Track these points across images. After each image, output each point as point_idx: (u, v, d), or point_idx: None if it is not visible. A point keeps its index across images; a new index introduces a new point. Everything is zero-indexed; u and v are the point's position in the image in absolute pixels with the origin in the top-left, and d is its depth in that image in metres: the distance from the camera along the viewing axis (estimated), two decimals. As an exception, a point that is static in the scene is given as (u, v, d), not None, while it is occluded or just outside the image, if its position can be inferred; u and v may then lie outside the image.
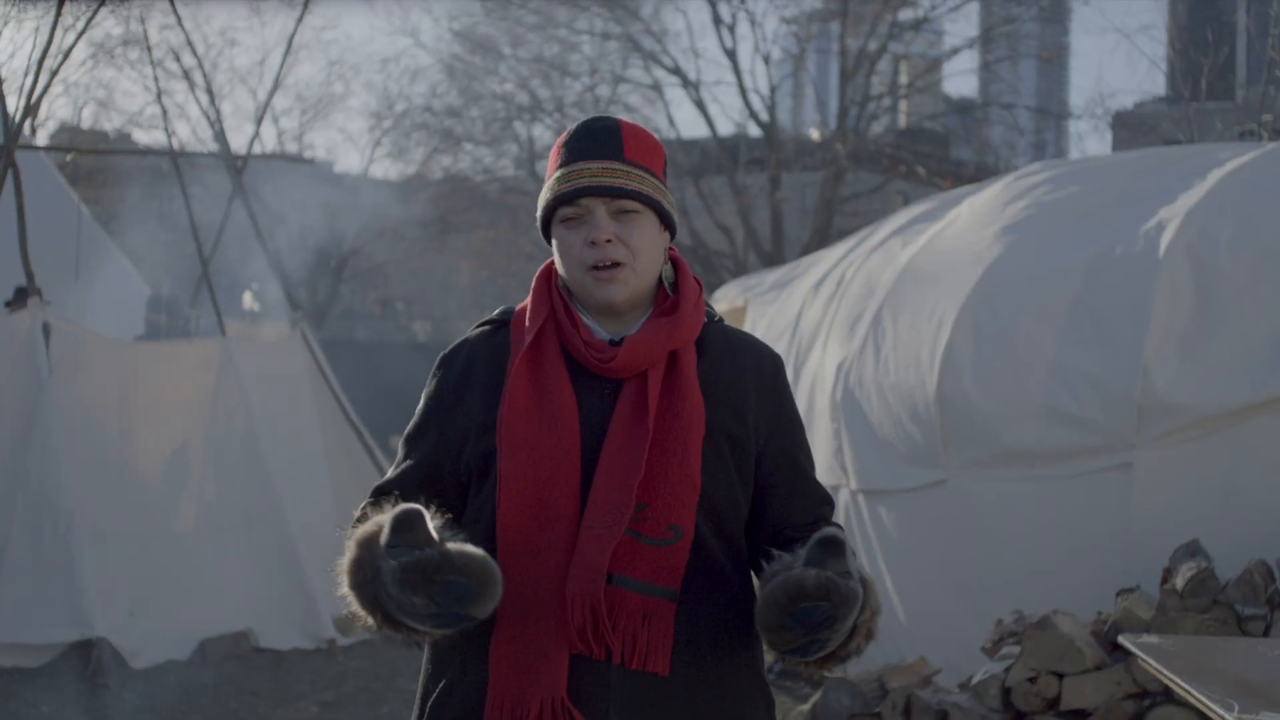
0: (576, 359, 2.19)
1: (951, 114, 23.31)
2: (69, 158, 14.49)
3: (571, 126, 2.26)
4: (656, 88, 20.02)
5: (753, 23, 27.58)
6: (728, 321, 2.40)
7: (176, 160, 9.70)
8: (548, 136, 20.49)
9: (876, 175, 21.48)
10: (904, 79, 21.82)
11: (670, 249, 2.29)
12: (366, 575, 2.00)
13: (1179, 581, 4.83)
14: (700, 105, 19.38)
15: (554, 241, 2.23)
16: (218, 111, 12.78)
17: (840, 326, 7.35)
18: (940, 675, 5.48)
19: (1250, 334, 5.53)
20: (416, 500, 2.10)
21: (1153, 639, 3.64)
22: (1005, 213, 6.95)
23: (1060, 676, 4.87)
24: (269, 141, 24.74)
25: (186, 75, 14.22)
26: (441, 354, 2.31)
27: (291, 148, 25.29)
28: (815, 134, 22.85)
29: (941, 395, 6.20)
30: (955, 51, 21.00)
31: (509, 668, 2.09)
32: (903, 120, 25.05)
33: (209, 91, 13.85)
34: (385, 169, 32.92)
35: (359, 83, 39.54)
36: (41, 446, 7.36)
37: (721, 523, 2.19)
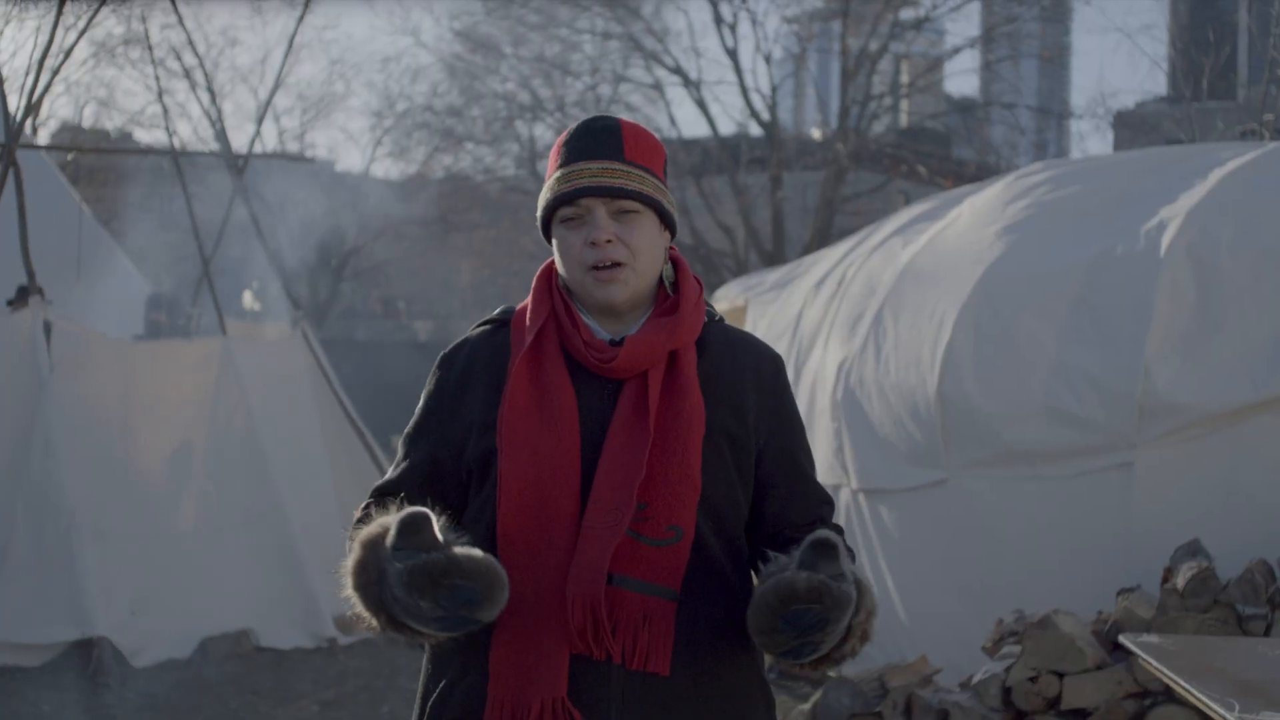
0: (577, 359, 2.19)
1: (953, 113, 23.31)
2: (70, 157, 14.50)
3: (571, 126, 2.26)
4: (658, 87, 20.03)
5: (754, 22, 27.73)
6: (728, 321, 2.40)
7: (178, 159, 9.70)
8: (549, 136, 20.49)
9: (878, 175, 21.48)
10: (905, 78, 21.83)
11: (670, 248, 2.29)
12: (371, 577, 2.00)
13: (1180, 581, 4.83)
14: (701, 105, 19.42)
15: (554, 241, 2.23)
16: (219, 111, 12.83)
17: (841, 326, 7.35)
18: (941, 674, 5.48)
19: (1251, 333, 5.53)
20: (418, 501, 2.10)
21: (1153, 638, 3.64)
22: (1006, 212, 6.95)
23: (1061, 676, 4.86)
24: (270, 141, 24.80)
25: (188, 74, 14.26)
26: (442, 353, 2.31)
27: (293, 147, 25.32)
28: (816, 133, 22.84)
29: (942, 395, 6.20)
30: (956, 51, 21.00)
31: (509, 668, 2.09)
32: (904, 120, 25.05)
33: (210, 91, 13.88)
34: (386, 168, 32.98)
35: (360, 82, 39.53)
36: (43, 445, 7.36)
37: (722, 522, 2.19)
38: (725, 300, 9.88)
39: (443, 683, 2.18)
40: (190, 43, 10.42)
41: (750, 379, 2.26)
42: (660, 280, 2.26)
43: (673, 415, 2.15)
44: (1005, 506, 5.99)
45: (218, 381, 8.44)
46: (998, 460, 6.04)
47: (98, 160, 16.97)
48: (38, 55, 8.16)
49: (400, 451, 2.30)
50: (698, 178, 19.45)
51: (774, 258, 17.86)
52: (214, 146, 15.74)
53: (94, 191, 16.75)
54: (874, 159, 20.92)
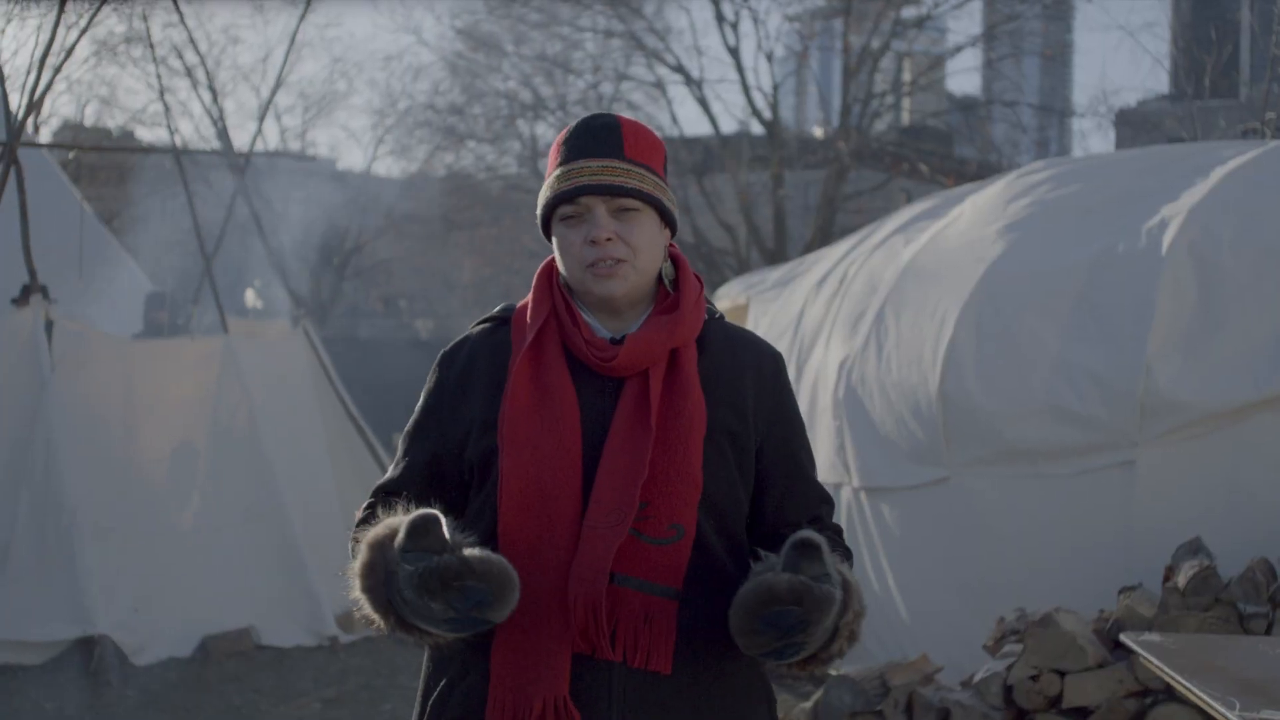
0: (578, 357, 2.19)
1: (954, 112, 23.28)
2: (72, 155, 14.51)
3: (571, 124, 2.25)
4: (659, 85, 20.02)
5: (755, 20, 27.58)
6: (730, 319, 2.40)
7: (179, 158, 9.70)
8: (550, 134, 20.47)
9: (879, 173, 21.46)
10: (907, 76, 21.80)
11: (671, 246, 2.28)
12: (379, 578, 2.00)
13: (1181, 579, 4.83)
14: (703, 103, 19.35)
15: (554, 239, 2.23)
16: (220, 109, 12.81)
17: (843, 324, 7.35)
18: (942, 673, 5.48)
19: (1253, 331, 5.53)
20: (420, 500, 2.11)
21: (1155, 637, 3.63)
22: (1008, 210, 6.95)
23: (1062, 674, 4.86)
24: (272, 139, 24.81)
25: (189, 73, 14.25)
26: (442, 351, 2.31)
27: (294, 145, 25.33)
28: (818, 131, 22.82)
29: (944, 393, 6.20)
30: (958, 49, 20.96)
31: (510, 667, 2.09)
32: (905, 118, 25.04)
33: (212, 89, 13.87)
34: (388, 166, 33.03)
35: (362, 80, 39.65)
36: (44, 444, 7.36)
37: (723, 521, 2.19)
38: (727, 298, 9.88)
39: (443, 682, 2.18)
40: (192, 41, 10.42)
41: (751, 377, 2.26)
42: (660, 278, 2.26)
43: (674, 414, 2.15)
44: (1007, 505, 5.99)
45: (219, 380, 8.44)
46: (999, 458, 6.04)
47: (99, 159, 16.96)
48: (39, 53, 8.17)
49: (400, 450, 2.30)
50: (699, 176, 19.44)
51: (776, 256, 17.85)
52: (216, 145, 15.73)
53: (95, 190, 16.75)
54: (876, 157, 20.90)
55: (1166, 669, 3.16)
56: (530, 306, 2.25)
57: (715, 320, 2.30)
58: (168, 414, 8.16)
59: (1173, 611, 4.78)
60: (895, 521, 6.55)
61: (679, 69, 19.27)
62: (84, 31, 9.17)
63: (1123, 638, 3.69)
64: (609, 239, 2.15)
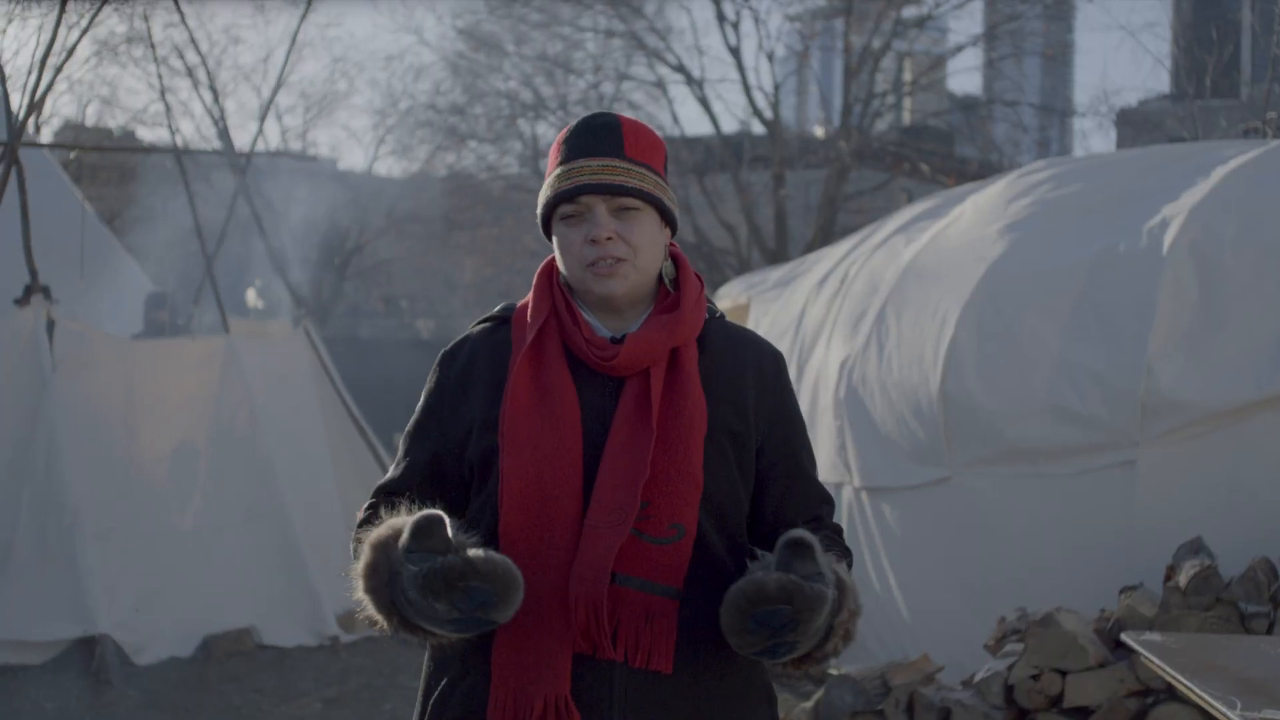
0: (578, 356, 2.19)
1: (955, 111, 23.26)
2: (73, 155, 14.52)
3: (572, 123, 2.25)
4: (660, 85, 20.01)
5: (756, 20, 27.73)
6: (731, 319, 2.40)
7: (180, 158, 9.70)
8: (551, 134, 20.46)
9: (880, 173, 21.45)
10: (908, 76, 21.78)
11: (671, 245, 2.28)
12: (383, 579, 2.00)
13: (1182, 579, 4.82)
14: (704, 102, 19.34)
15: (554, 239, 2.23)
16: (221, 109, 12.80)
17: (844, 324, 7.35)
18: (943, 673, 5.48)
19: (1254, 331, 5.53)
20: (421, 500, 2.11)
21: (1156, 636, 3.63)
22: (1009, 210, 6.95)
23: (1063, 674, 4.86)
24: (273, 139, 24.80)
25: (190, 73, 14.24)
26: (442, 351, 2.31)
27: (296, 145, 25.33)
28: (819, 131, 22.81)
29: (945, 392, 6.20)
30: (959, 49, 20.93)
31: (512, 667, 2.09)
32: (907, 118, 25.01)
33: (213, 89, 13.84)
34: (389, 166, 33.02)
35: (363, 80, 39.63)
36: (46, 444, 7.37)
37: (724, 520, 2.18)
38: (728, 298, 9.88)
39: (444, 682, 2.18)
40: (193, 41, 10.42)
41: (751, 376, 2.26)
42: (661, 277, 2.26)
43: (674, 413, 2.15)
44: (1008, 504, 5.99)
45: (220, 380, 8.44)
46: (1000, 458, 6.04)
47: (100, 159, 16.97)
48: (41, 53, 8.18)
49: (401, 450, 2.30)
50: (700, 176, 19.43)
51: (777, 256, 17.85)
52: (217, 145, 15.73)
53: (97, 190, 16.76)
54: (877, 157, 20.89)
55: (1168, 668, 3.16)
56: (530, 306, 2.25)
57: (716, 319, 2.30)
58: (169, 414, 8.17)
59: (1174, 611, 4.78)
60: (896, 521, 6.55)
61: (680, 69, 19.27)
62: (85, 31, 9.18)
63: (1124, 637, 3.69)
64: (609, 238, 2.15)
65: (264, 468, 8.27)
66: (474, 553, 1.94)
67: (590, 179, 2.16)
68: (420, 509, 2.04)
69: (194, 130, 22.15)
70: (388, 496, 2.25)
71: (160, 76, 10.79)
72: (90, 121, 20.75)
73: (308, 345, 9.43)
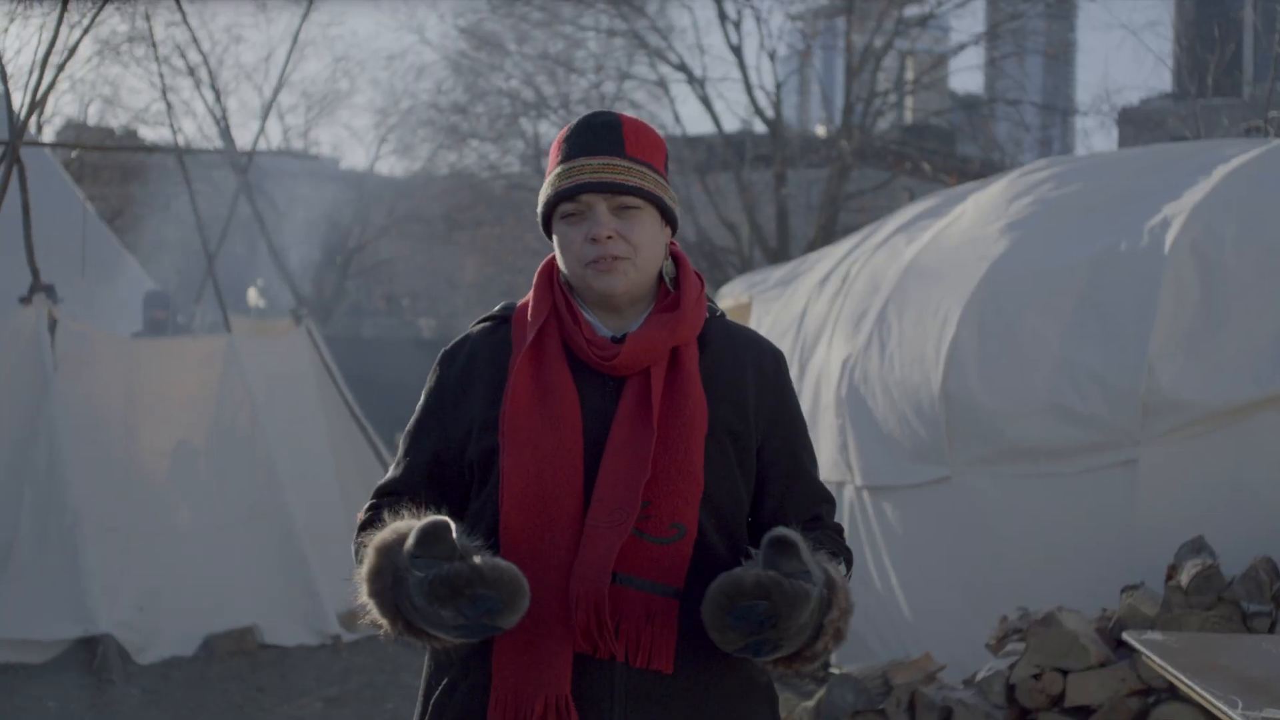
0: (579, 356, 2.19)
1: (957, 110, 23.24)
2: (75, 154, 14.52)
3: (572, 122, 2.25)
4: (662, 84, 20.01)
5: (758, 19, 27.72)
6: (733, 318, 2.40)
7: (182, 157, 9.71)
8: (553, 133, 20.44)
9: (882, 171, 21.44)
10: (910, 75, 21.77)
11: (671, 244, 2.28)
12: (387, 583, 2.00)
13: (1184, 578, 4.82)
14: (706, 101, 19.41)
15: (555, 237, 2.22)
16: (223, 108, 12.81)
17: (845, 323, 7.35)
18: (945, 672, 5.48)
19: (1255, 330, 5.52)
20: (422, 500, 2.11)
21: (1157, 636, 3.63)
22: (1010, 209, 6.94)
23: (1065, 673, 4.86)
24: (274, 138, 24.79)
25: (192, 72, 14.26)
26: (443, 350, 2.30)
27: (297, 144, 25.33)
28: (821, 130, 22.81)
29: (946, 392, 6.20)
30: (961, 48, 20.92)
31: (512, 667, 2.09)
32: (908, 116, 25.00)
33: (214, 88, 13.89)
34: (391, 165, 33.00)
35: (364, 79, 39.60)
36: (47, 443, 7.37)
37: (724, 519, 2.18)
38: (730, 297, 9.88)
39: (445, 682, 2.18)
40: (194, 40, 10.48)
41: (752, 375, 2.26)
42: (661, 276, 2.26)
43: (675, 412, 2.15)
44: (1009, 504, 5.99)
45: (222, 379, 8.44)
46: (1002, 457, 6.03)
47: (102, 158, 16.97)
48: (42, 53, 8.18)
49: (401, 449, 2.30)
50: (702, 175, 19.43)
51: (778, 255, 17.84)
52: (218, 144, 15.74)
53: (98, 189, 16.77)
54: (878, 156, 20.87)
55: (1169, 668, 3.16)
56: (531, 305, 2.25)
57: (716, 318, 2.30)
58: (170, 413, 8.17)
59: (1175, 610, 4.77)
60: (898, 520, 6.55)
61: (682, 68, 19.27)
62: (87, 31, 9.18)
63: (1125, 636, 3.69)
64: (610, 236, 2.15)
65: (265, 467, 8.27)
66: (481, 560, 1.94)
67: (591, 177, 2.16)
68: (422, 511, 2.05)
69: (196, 129, 22.14)
70: (388, 497, 2.25)
71: (162, 75, 10.81)
72: (92, 121, 20.76)
73: (309, 344, 9.44)
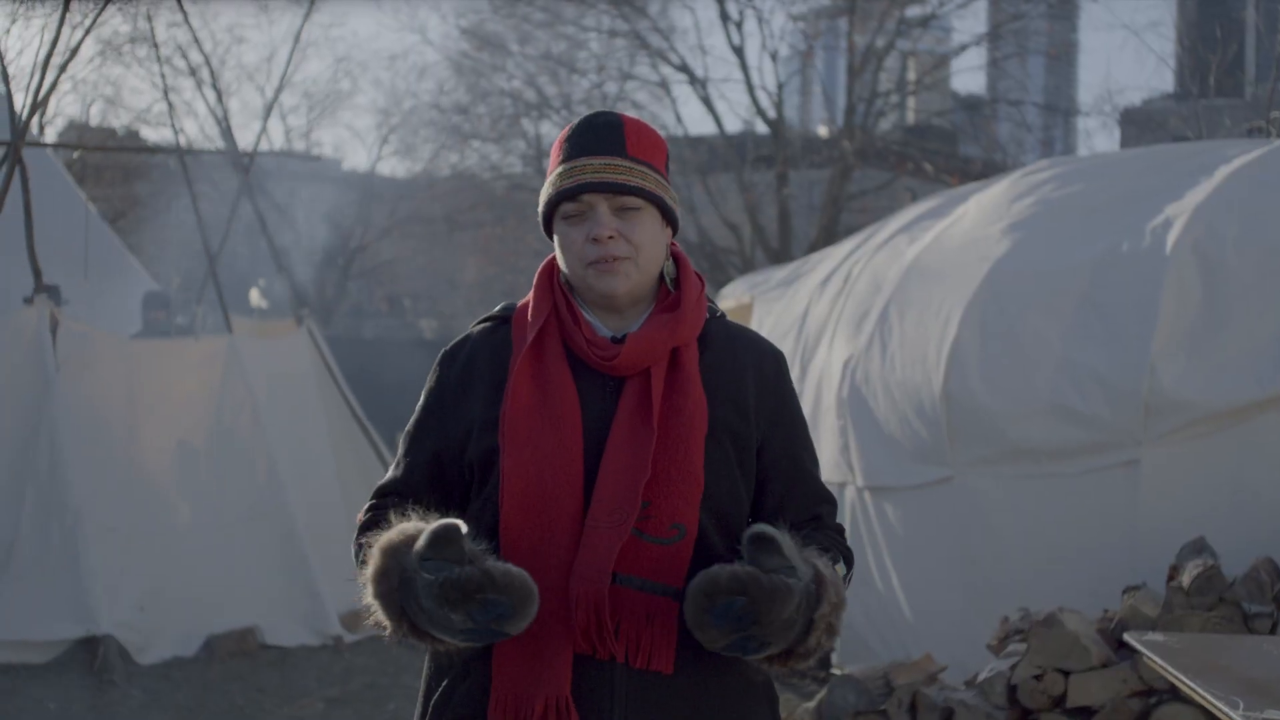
0: (579, 356, 2.19)
1: (959, 111, 23.23)
2: (76, 155, 14.51)
3: (574, 122, 2.25)
4: (664, 85, 20.00)
5: (760, 20, 27.70)
6: (734, 318, 2.40)
7: (184, 157, 9.71)
8: (555, 133, 20.35)
9: (884, 172, 21.44)
10: (912, 76, 21.76)
11: (672, 244, 2.28)
12: (393, 584, 2.00)
13: (1185, 579, 4.82)
14: (707, 102, 19.35)
15: (556, 237, 2.22)
16: (225, 109, 12.80)
17: (847, 323, 7.35)
18: (946, 672, 5.48)
19: (1257, 331, 5.52)
20: (422, 501, 2.11)
21: (1158, 637, 3.63)
22: (1012, 209, 6.94)
23: (1066, 674, 4.86)
24: (276, 139, 24.79)
25: (194, 72, 14.22)
26: (443, 350, 2.30)
27: (299, 145, 25.34)
28: (823, 131, 22.80)
29: (948, 392, 6.20)
30: (963, 48, 20.91)
31: (512, 667, 2.08)
32: (910, 117, 24.98)
33: (216, 89, 13.88)
34: (393, 166, 33.01)
35: (366, 80, 39.60)
36: (49, 443, 7.37)
37: (725, 520, 2.18)
38: (731, 298, 9.87)
39: (445, 682, 2.17)
40: (196, 41, 10.45)
41: (752, 375, 2.25)
42: (662, 277, 2.26)
43: (675, 412, 2.14)
44: (1011, 504, 5.99)
45: (223, 379, 8.45)
46: (1003, 458, 6.03)
47: (104, 159, 16.97)
48: (44, 53, 8.16)
49: (401, 450, 2.29)
50: (704, 175, 19.42)
51: (780, 255, 17.83)
52: (220, 144, 15.74)
53: (101, 190, 16.77)
54: (880, 156, 20.86)
55: (1170, 669, 3.16)
56: (531, 305, 2.25)
57: (716, 319, 2.30)
58: (172, 414, 8.18)
59: (1177, 611, 4.77)
60: (899, 521, 6.54)
61: (683, 68, 19.26)
62: (88, 31, 9.16)
63: (1127, 637, 3.69)
64: (611, 236, 2.15)
65: (267, 467, 8.27)
66: (491, 564, 1.94)
67: (592, 177, 2.16)
68: (428, 513, 2.05)
69: (198, 130, 22.14)
70: (387, 497, 2.25)
71: (164, 76, 10.80)
72: (94, 121, 20.76)
73: (310, 345, 9.44)
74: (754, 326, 6.95)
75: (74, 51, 8.76)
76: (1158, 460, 5.52)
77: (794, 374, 2.18)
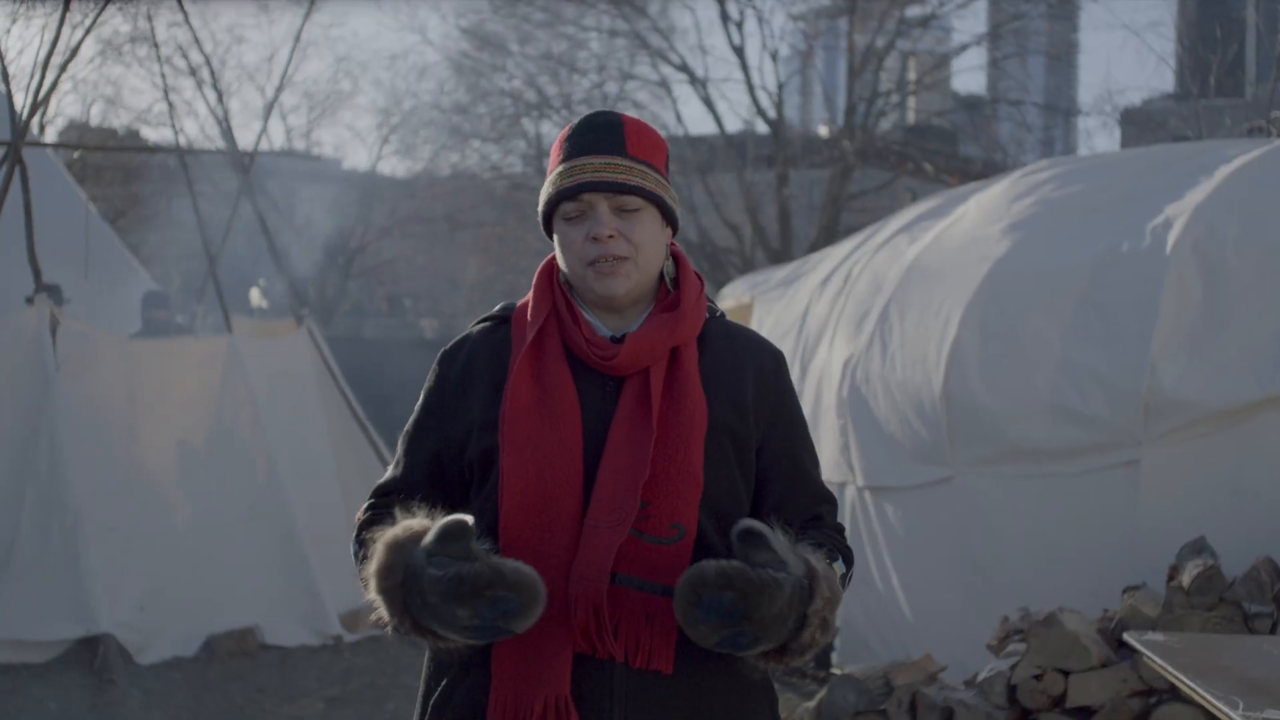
0: (578, 355, 2.19)
1: (959, 111, 23.23)
2: (77, 155, 14.52)
3: (574, 121, 2.25)
4: (664, 84, 20.01)
5: (760, 19, 27.74)
6: (735, 318, 2.39)
7: (184, 157, 9.71)
8: (555, 133, 20.34)
9: (884, 172, 21.44)
10: (912, 75, 21.76)
11: (672, 244, 2.28)
12: (397, 580, 2.00)
13: (1185, 579, 4.82)
14: (708, 102, 19.36)
15: (555, 237, 2.22)
16: (225, 109, 12.80)
17: (847, 323, 7.35)
18: (946, 672, 5.48)
19: (1257, 331, 5.52)
20: (423, 501, 2.11)
21: (1158, 636, 3.63)
22: (1012, 209, 6.94)
23: (1066, 674, 4.86)
24: (277, 138, 24.78)
25: (194, 72, 14.25)
26: (442, 350, 2.30)
27: (299, 145, 25.34)
28: (823, 131, 22.81)
29: (948, 392, 6.20)
30: (963, 48, 20.93)
31: (512, 667, 2.08)
32: (910, 117, 24.98)
33: (216, 89, 13.88)
34: (393, 166, 32.98)
35: (367, 80, 39.58)
36: (49, 443, 7.37)
37: (724, 520, 2.17)
38: (731, 298, 9.88)
39: (444, 682, 2.17)
40: (196, 41, 10.42)
41: (751, 375, 2.25)
42: (661, 276, 2.26)
43: (675, 412, 2.14)
44: (1011, 504, 5.99)
45: (223, 379, 8.44)
46: (1003, 458, 6.03)
47: (104, 158, 16.98)
48: (44, 53, 8.16)
49: (401, 449, 2.29)
50: (704, 175, 19.43)
51: (780, 255, 17.84)
52: (220, 144, 15.74)
53: (101, 190, 16.77)
54: (880, 156, 20.87)
55: (1170, 669, 3.16)
56: (531, 305, 2.25)
57: (716, 318, 2.29)
58: (172, 413, 8.17)
59: (1177, 611, 4.77)
60: (899, 521, 6.54)
61: (683, 68, 19.27)
62: (89, 31, 9.17)
63: (1127, 637, 3.68)
64: (611, 236, 2.15)
65: (267, 467, 8.27)
66: (502, 562, 1.94)
67: (592, 177, 2.16)
68: (433, 510, 2.04)
69: (198, 130, 22.14)
70: (387, 497, 2.24)
71: (164, 76, 10.79)
72: (94, 121, 20.77)
73: (311, 344, 9.43)
74: (754, 326, 6.95)
75: (74, 51, 8.76)
76: (1158, 460, 5.53)
77: (794, 374, 2.18)
